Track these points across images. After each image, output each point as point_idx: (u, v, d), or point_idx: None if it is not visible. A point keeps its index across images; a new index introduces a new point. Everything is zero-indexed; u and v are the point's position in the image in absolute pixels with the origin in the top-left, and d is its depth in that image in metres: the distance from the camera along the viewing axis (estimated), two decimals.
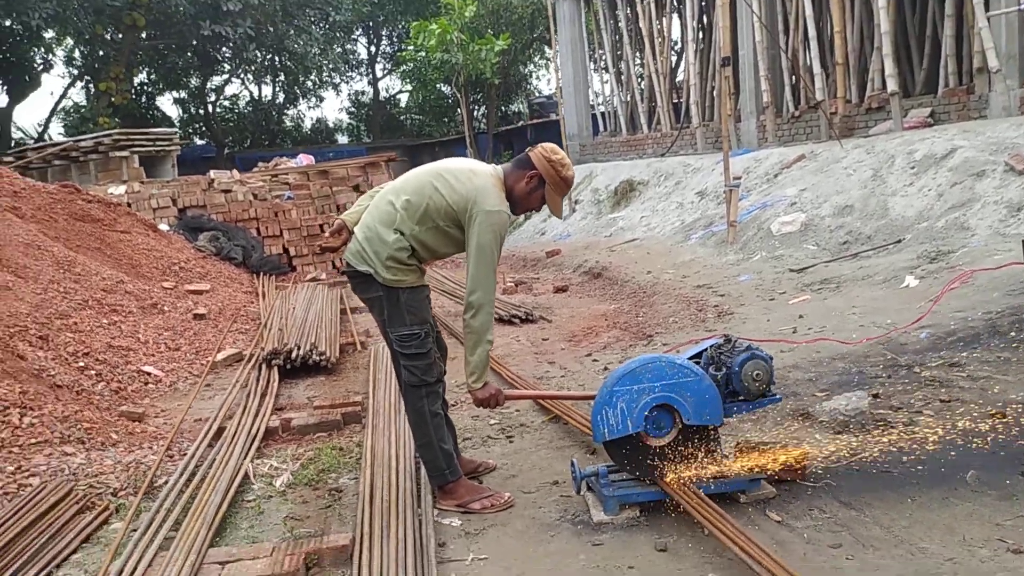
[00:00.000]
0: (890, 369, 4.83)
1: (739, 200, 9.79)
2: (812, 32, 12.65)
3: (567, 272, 11.07)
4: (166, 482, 4.02)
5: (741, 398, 3.44)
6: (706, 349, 3.56)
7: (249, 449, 4.47)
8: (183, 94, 32.00)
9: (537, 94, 32.86)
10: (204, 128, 32.81)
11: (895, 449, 3.73)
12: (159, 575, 2.96)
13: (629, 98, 18.54)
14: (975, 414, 4.00)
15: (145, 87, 30.25)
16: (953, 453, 3.62)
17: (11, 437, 4.37)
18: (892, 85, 11.18)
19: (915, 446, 3.74)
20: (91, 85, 26.32)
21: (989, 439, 3.71)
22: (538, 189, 3.61)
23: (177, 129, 19.78)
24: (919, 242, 7.35)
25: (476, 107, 29.66)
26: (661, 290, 8.36)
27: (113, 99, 23.38)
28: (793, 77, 13.80)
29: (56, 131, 29.36)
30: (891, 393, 4.45)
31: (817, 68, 12.74)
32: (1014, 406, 4.01)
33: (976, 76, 10.83)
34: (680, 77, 18.56)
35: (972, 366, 4.64)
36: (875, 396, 4.42)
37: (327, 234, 3.79)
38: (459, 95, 24.02)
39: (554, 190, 3.61)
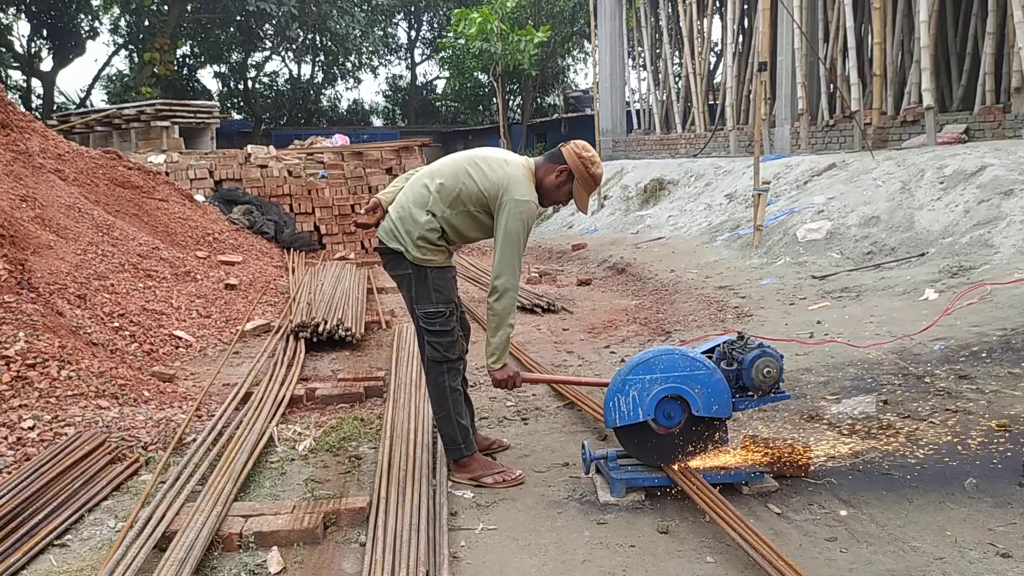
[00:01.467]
0: (902, 377, 4.92)
1: (767, 205, 9.85)
2: (852, 42, 12.65)
3: (591, 266, 11.19)
4: (194, 440, 4.22)
5: (750, 393, 3.56)
6: (719, 345, 3.68)
7: (274, 414, 4.65)
8: (224, 68, 32.41)
9: (574, 88, 32.93)
10: (242, 103, 33.21)
11: (898, 453, 3.84)
12: (186, 522, 3.13)
13: (665, 97, 18.59)
14: (980, 425, 4.09)
15: (187, 59, 30.67)
16: (954, 461, 3.72)
17: (49, 388, 4.58)
18: (928, 99, 11.18)
19: (918, 452, 3.84)
20: (135, 54, 26.76)
21: (991, 450, 3.80)
22: (566, 183, 3.74)
23: (216, 103, 20.07)
24: (942, 257, 7.39)
25: (512, 97, 29.79)
26: (683, 289, 8.47)
27: (156, 69, 23.76)
28: (830, 86, 13.79)
29: (98, 98, 29.90)
30: (900, 400, 4.54)
31: (854, 78, 12.74)
32: (1019, 420, 4.09)
33: (1014, 95, 10.81)
34: (717, 79, 18.58)
35: (982, 380, 4.72)
36: (884, 402, 4.51)
37: (363, 210, 3.95)
38: (496, 84, 24.16)
39: (582, 186, 3.74)
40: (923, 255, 7.68)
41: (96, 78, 29.28)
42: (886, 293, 6.95)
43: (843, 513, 3.30)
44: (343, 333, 6.64)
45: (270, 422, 4.50)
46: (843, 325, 6.21)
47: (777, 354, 3.53)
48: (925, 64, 11.29)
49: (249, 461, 3.86)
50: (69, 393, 4.59)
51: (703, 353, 3.63)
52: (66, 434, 4.15)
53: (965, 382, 4.72)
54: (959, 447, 3.87)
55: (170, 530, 3.12)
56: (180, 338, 6.62)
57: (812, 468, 3.68)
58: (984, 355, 5.09)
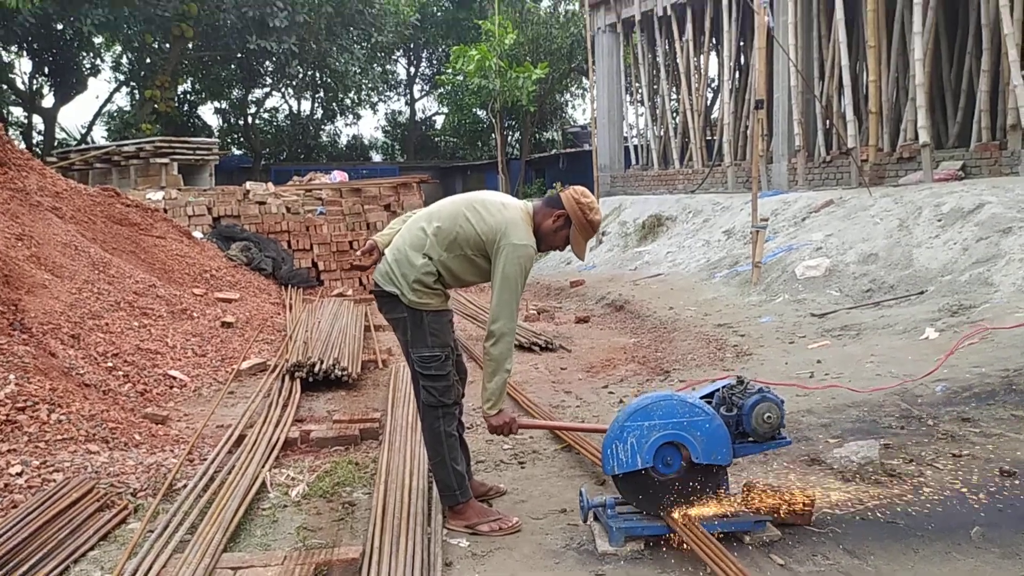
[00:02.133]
0: (904, 420, 4.85)
1: (765, 242, 9.84)
2: (847, 80, 12.72)
3: (590, 303, 11.15)
4: (185, 485, 4.14)
5: (751, 439, 3.50)
6: (719, 389, 3.63)
7: (268, 458, 4.58)
8: (224, 104, 32.58)
9: (572, 123, 33.10)
10: (242, 139, 33.36)
11: (902, 500, 3.77)
12: None
13: (662, 133, 18.67)
14: (985, 471, 4.02)
15: (188, 96, 30.85)
16: (960, 508, 3.65)
17: (38, 432, 4.51)
18: (924, 136, 11.21)
19: (922, 498, 3.77)
20: (136, 91, 26.91)
21: (997, 497, 3.73)
22: (564, 228, 3.70)
23: (217, 139, 20.15)
24: (942, 295, 7.35)
25: (510, 133, 29.94)
26: (682, 326, 8.42)
27: (157, 106, 23.88)
28: (826, 122, 13.86)
29: (99, 134, 30.03)
30: (903, 444, 4.47)
31: (850, 115, 12.80)
32: None
33: (1009, 132, 10.83)
34: (715, 115, 18.69)
35: (986, 422, 4.66)
36: (886, 446, 4.45)
37: (359, 253, 3.91)
38: (494, 120, 24.31)
39: (579, 232, 3.71)
40: (922, 293, 7.65)
41: (97, 115, 29.42)
42: (886, 332, 6.91)
43: (848, 564, 3.22)
44: (339, 372, 6.58)
45: (263, 466, 4.42)
46: (843, 364, 6.16)
47: (778, 399, 3.47)
48: (921, 101, 11.34)
49: (240, 509, 3.78)
50: (59, 437, 4.51)
51: (702, 398, 3.58)
52: (54, 480, 4.07)
53: (968, 425, 4.66)
54: (964, 493, 3.80)
55: None
56: (175, 378, 6.56)
57: (815, 516, 3.61)
58: (986, 397, 5.03)
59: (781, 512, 3.53)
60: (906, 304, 7.55)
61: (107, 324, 6.84)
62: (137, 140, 15.59)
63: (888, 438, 4.57)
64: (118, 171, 14.84)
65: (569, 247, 3.79)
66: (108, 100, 29.40)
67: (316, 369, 6.51)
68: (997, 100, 11.53)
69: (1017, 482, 3.86)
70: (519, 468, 4.58)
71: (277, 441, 4.90)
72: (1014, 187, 8.76)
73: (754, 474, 4.17)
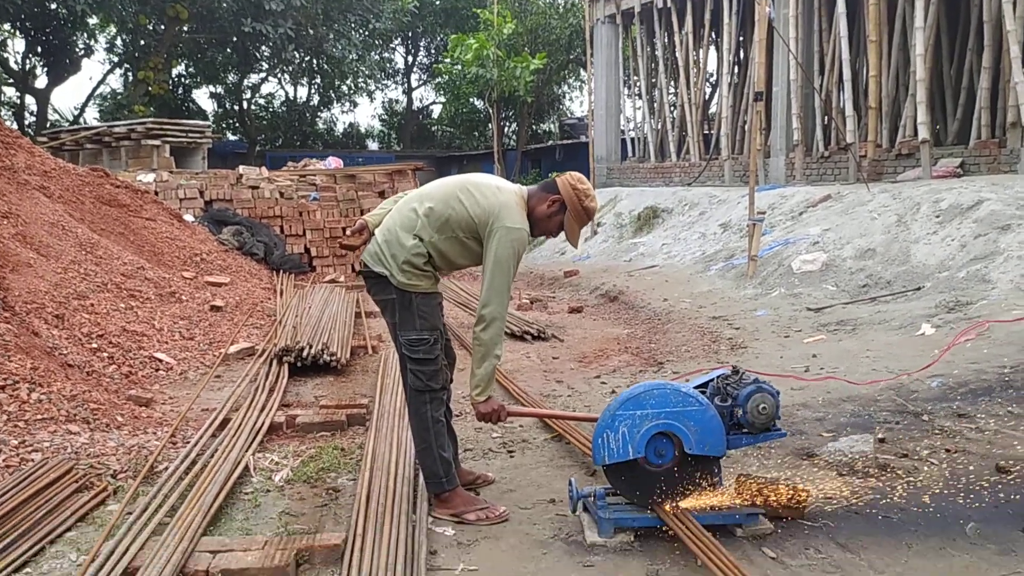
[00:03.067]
0: (899, 415, 4.79)
1: (762, 235, 9.76)
2: (847, 74, 12.64)
3: (583, 293, 11.07)
4: (167, 468, 4.05)
5: (745, 431, 3.42)
6: (713, 379, 3.55)
7: (252, 442, 4.49)
8: (219, 89, 32.41)
9: (569, 115, 33.00)
10: (237, 124, 33.20)
11: (897, 495, 3.70)
12: (149, 559, 2.97)
13: (660, 126, 18.58)
14: (980, 466, 3.96)
15: (183, 79, 30.67)
16: (955, 504, 3.59)
17: (18, 411, 4.42)
18: (924, 133, 11.15)
19: (917, 494, 3.70)
20: (130, 73, 26.73)
21: (992, 493, 3.67)
22: (558, 214, 3.62)
23: (211, 123, 20.00)
24: (938, 291, 7.29)
25: (507, 124, 29.81)
26: (676, 318, 8.34)
27: (151, 88, 23.73)
28: (825, 117, 13.79)
29: (92, 116, 29.81)
30: (898, 439, 4.40)
31: (850, 110, 12.72)
32: (1020, 461, 3.96)
33: (1009, 130, 10.78)
34: (713, 109, 18.60)
35: (981, 418, 4.59)
36: (881, 440, 4.38)
37: (348, 232, 3.81)
38: (491, 110, 24.18)
39: (574, 218, 3.62)
40: (919, 289, 7.58)
41: (90, 96, 29.22)
42: (882, 327, 6.84)
43: (840, 558, 3.15)
44: (328, 358, 6.49)
45: (247, 451, 4.34)
46: (839, 359, 6.09)
47: (773, 390, 3.39)
48: (921, 97, 11.27)
49: (221, 492, 3.69)
50: (38, 417, 4.43)
51: (696, 388, 3.50)
52: (32, 460, 3.99)
53: (964, 420, 4.60)
54: (959, 489, 3.73)
55: (133, 566, 2.96)
56: (161, 360, 6.46)
57: (809, 509, 3.54)
58: (982, 393, 4.97)
59: (774, 505, 3.46)
60: (903, 300, 7.49)
61: (93, 305, 6.73)
62: (129, 121, 15.44)
63: (883, 432, 4.50)
64: (109, 152, 14.69)
65: (562, 234, 3.70)
66: (102, 81, 29.23)
67: (304, 354, 6.42)
68: (997, 97, 11.48)
69: (1012, 478, 3.80)
70: (508, 457, 4.50)
71: (262, 425, 4.81)
72: (1013, 184, 8.70)
73: (748, 466, 4.11)
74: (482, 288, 3.50)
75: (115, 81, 30.07)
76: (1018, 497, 3.58)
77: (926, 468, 4.00)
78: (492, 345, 3.48)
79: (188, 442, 4.49)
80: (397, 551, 3.10)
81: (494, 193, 3.56)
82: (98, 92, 29.65)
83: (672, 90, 19.00)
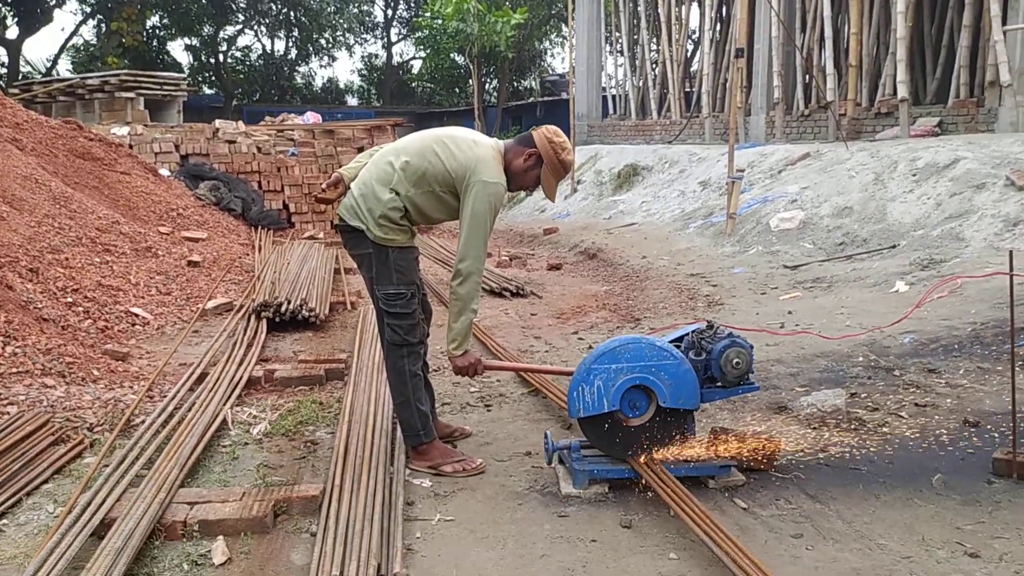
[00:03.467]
0: (871, 370, 4.86)
1: (741, 193, 9.79)
2: (828, 32, 12.59)
3: (562, 251, 11.09)
4: (143, 422, 4.05)
5: (719, 384, 3.46)
6: (688, 334, 3.58)
7: (230, 396, 4.50)
8: (195, 41, 31.83)
9: (550, 72, 32.75)
10: (214, 77, 32.67)
11: (866, 448, 3.77)
12: (127, 509, 2.98)
13: (641, 83, 18.47)
14: (948, 420, 4.04)
15: (157, 30, 30.07)
16: (923, 456, 3.66)
17: None
18: (903, 91, 11.15)
19: (886, 446, 3.78)
20: (103, 24, 26.17)
21: (959, 446, 3.75)
22: (535, 168, 3.60)
23: (186, 76, 19.66)
24: (913, 249, 7.36)
25: (488, 80, 29.55)
26: (654, 275, 8.38)
27: (124, 40, 23.27)
28: (806, 75, 13.75)
29: (65, 68, 29.25)
30: (869, 393, 4.48)
31: (830, 68, 12.68)
32: (988, 415, 4.04)
33: (987, 89, 10.81)
34: (694, 67, 18.50)
35: (951, 374, 4.67)
36: (853, 395, 4.45)
37: (324, 185, 3.78)
38: (472, 66, 23.92)
39: (551, 172, 3.61)
40: (894, 247, 7.65)
41: (63, 48, 28.64)
42: (857, 284, 6.91)
43: (810, 508, 3.22)
44: (306, 313, 6.48)
45: (225, 404, 4.34)
46: (814, 316, 6.16)
47: (747, 344, 3.43)
48: (901, 56, 11.25)
49: (199, 445, 3.71)
50: (13, 370, 4.40)
51: (671, 342, 3.53)
52: (7, 413, 3.98)
53: (934, 376, 4.67)
54: (927, 442, 3.81)
55: (110, 517, 2.97)
56: (137, 315, 6.42)
57: (780, 462, 3.60)
58: (953, 349, 5.05)
59: (746, 457, 3.52)
60: (878, 257, 7.56)
61: (67, 259, 6.66)
62: (102, 73, 15.15)
63: (855, 387, 4.58)
64: (82, 105, 14.44)
65: (540, 188, 3.69)
66: (74, 32, 28.63)
67: (283, 309, 6.40)
68: (976, 57, 11.48)
69: (979, 432, 3.88)
70: (485, 411, 4.54)
71: (240, 380, 4.81)
72: (990, 143, 8.74)
73: (721, 420, 4.16)
74: (459, 243, 3.50)
75: (88, 32, 29.47)
76: (984, 450, 3.66)
77: (896, 422, 4.07)
78: (469, 300, 3.48)
79: (165, 396, 4.49)
80: (374, 502, 3.13)
81: (470, 147, 3.54)
82: (71, 43, 29.05)
83: (654, 47, 18.85)
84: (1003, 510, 3.15)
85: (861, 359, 5.07)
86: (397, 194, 3.50)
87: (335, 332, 6.55)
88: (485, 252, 3.56)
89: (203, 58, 32.80)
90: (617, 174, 14.55)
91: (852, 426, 4.03)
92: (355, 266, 3.85)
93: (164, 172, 11.73)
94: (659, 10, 17.20)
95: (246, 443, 3.99)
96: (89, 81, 14.39)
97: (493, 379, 5.04)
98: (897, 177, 8.77)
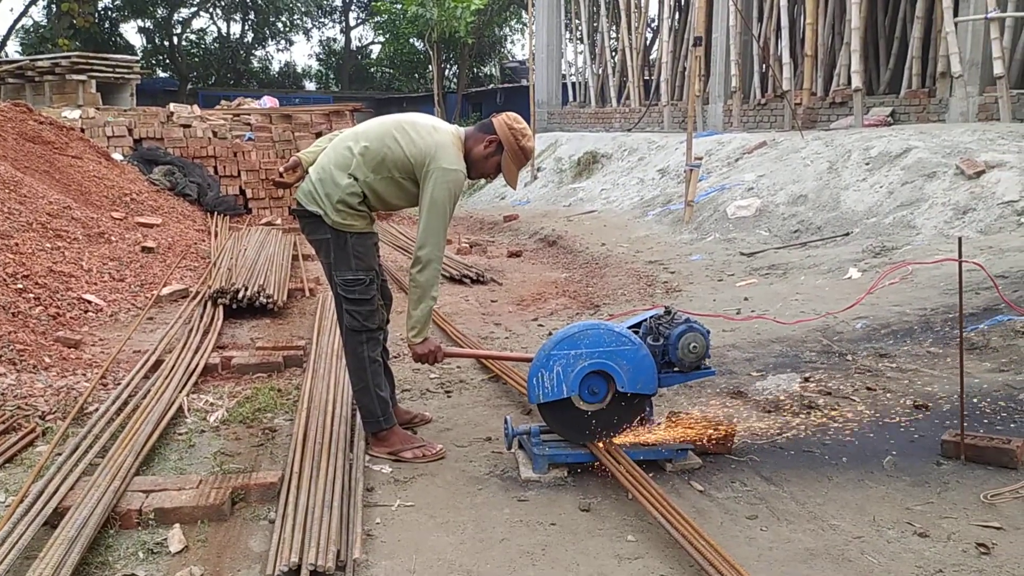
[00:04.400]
0: (824, 355, 4.95)
1: (698, 181, 9.88)
2: (785, 22, 12.75)
3: (523, 238, 11.10)
4: (97, 409, 3.99)
5: (676, 369, 3.50)
6: (646, 319, 3.62)
7: (186, 383, 4.45)
8: (148, 23, 31.19)
9: (510, 58, 32.68)
10: (168, 61, 32.07)
11: (820, 431, 3.85)
12: (80, 498, 2.94)
13: (601, 71, 18.52)
14: (899, 404, 4.13)
15: (109, 12, 29.43)
16: (874, 439, 3.74)
17: None
18: (857, 81, 11.34)
19: (839, 429, 3.86)
20: (53, 5, 25.52)
21: (909, 429, 3.84)
22: (495, 155, 3.60)
23: (139, 58, 19.27)
24: (866, 236, 7.50)
25: (448, 66, 29.39)
26: (613, 263, 8.44)
27: (75, 21, 22.72)
28: (763, 65, 13.90)
29: (13, 49, 28.50)
30: (822, 378, 4.56)
31: (786, 58, 12.85)
32: (937, 398, 4.15)
33: (939, 80, 11.02)
34: (653, 55, 18.58)
35: (902, 358, 4.78)
36: (807, 379, 4.53)
37: (281, 169, 3.74)
38: (431, 52, 23.77)
39: (511, 159, 3.60)
40: (848, 234, 7.79)
41: (11, 29, 27.87)
42: (812, 271, 7.02)
43: (765, 490, 3.28)
44: (264, 300, 6.41)
45: (180, 392, 4.29)
46: (770, 302, 6.25)
47: (704, 329, 3.47)
48: (855, 46, 11.43)
49: (155, 433, 3.66)
50: None
51: (629, 328, 3.56)
52: None
53: (885, 360, 4.78)
54: (879, 425, 3.90)
55: (63, 506, 2.93)
56: (90, 302, 6.30)
57: (736, 445, 3.66)
58: (904, 334, 5.16)
59: (703, 441, 3.57)
60: (832, 245, 7.69)
61: (17, 245, 6.51)
62: (53, 55, 14.78)
63: (809, 372, 4.66)
64: (32, 87, 14.08)
65: (500, 176, 3.69)
66: (23, 13, 27.85)
67: (240, 296, 6.33)
68: (929, 47, 11.69)
69: (929, 415, 3.98)
70: (445, 397, 4.54)
71: (196, 367, 4.75)
72: (941, 133, 8.93)
73: (678, 404, 4.22)
74: (419, 230, 3.49)
75: (37, 13, 28.72)
76: (933, 432, 3.76)
77: (848, 405, 4.16)
78: (428, 287, 3.48)
79: (119, 383, 4.42)
80: (334, 488, 3.12)
81: (430, 133, 3.52)
82: (19, 24, 28.28)
83: (613, 35, 18.90)
84: (951, 491, 3.23)
85: (815, 344, 5.16)
86: (356, 179, 3.48)
87: (293, 319, 6.49)
88: (445, 239, 3.55)
89: (157, 41, 32.19)
90: (577, 161, 14.59)
91: (806, 410, 4.11)
92: (313, 252, 3.82)
93: (117, 156, 11.50)
94: None
95: (203, 431, 3.95)
96: (39, 63, 14.02)
97: (453, 365, 5.04)
98: (851, 166, 8.92)
